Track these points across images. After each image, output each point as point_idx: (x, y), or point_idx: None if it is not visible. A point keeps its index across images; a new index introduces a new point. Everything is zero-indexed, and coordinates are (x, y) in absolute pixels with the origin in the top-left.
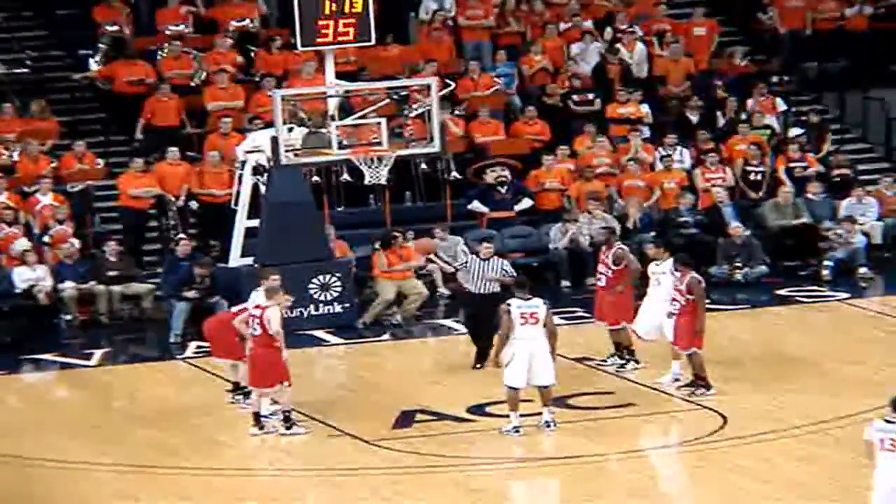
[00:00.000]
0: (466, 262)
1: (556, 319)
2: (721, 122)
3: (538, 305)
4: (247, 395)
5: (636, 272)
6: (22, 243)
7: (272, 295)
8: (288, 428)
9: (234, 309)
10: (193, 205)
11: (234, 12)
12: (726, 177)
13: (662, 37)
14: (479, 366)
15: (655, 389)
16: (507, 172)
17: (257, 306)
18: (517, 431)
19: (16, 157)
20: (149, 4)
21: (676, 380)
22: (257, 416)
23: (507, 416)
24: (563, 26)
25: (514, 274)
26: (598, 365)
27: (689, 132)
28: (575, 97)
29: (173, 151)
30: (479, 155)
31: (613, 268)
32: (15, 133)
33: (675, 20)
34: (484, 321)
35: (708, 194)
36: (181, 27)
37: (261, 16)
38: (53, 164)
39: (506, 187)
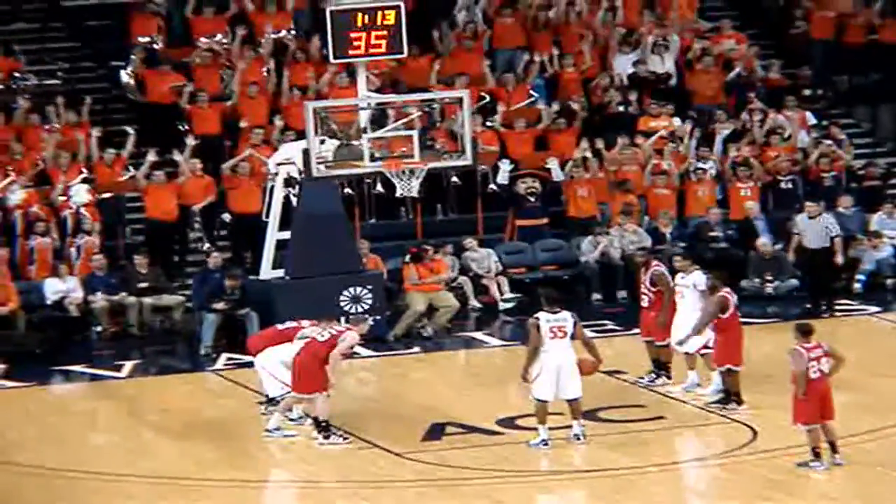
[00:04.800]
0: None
1: (588, 333)
2: (752, 134)
3: (566, 319)
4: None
5: (671, 294)
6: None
7: (358, 323)
8: (326, 437)
9: (280, 327)
10: (226, 217)
11: (269, 22)
12: (756, 189)
13: (692, 49)
14: (822, 309)
15: (685, 402)
16: (537, 183)
17: (347, 326)
18: (545, 444)
19: (48, 166)
20: (183, 15)
21: (688, 390)
22: (317, 421)
23: (536, 429)
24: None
25: (839, 230)
26: (648, 385)
27: (719, 144)
28: (607, 108)
29: (193, 162)
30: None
31: (652, 289)
32: (46, 144)
33: (705, 32)
34: (821, 271)
35: (739, 207)
36: (217, 37)
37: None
38: (84, 175)
39: (535, 198)
